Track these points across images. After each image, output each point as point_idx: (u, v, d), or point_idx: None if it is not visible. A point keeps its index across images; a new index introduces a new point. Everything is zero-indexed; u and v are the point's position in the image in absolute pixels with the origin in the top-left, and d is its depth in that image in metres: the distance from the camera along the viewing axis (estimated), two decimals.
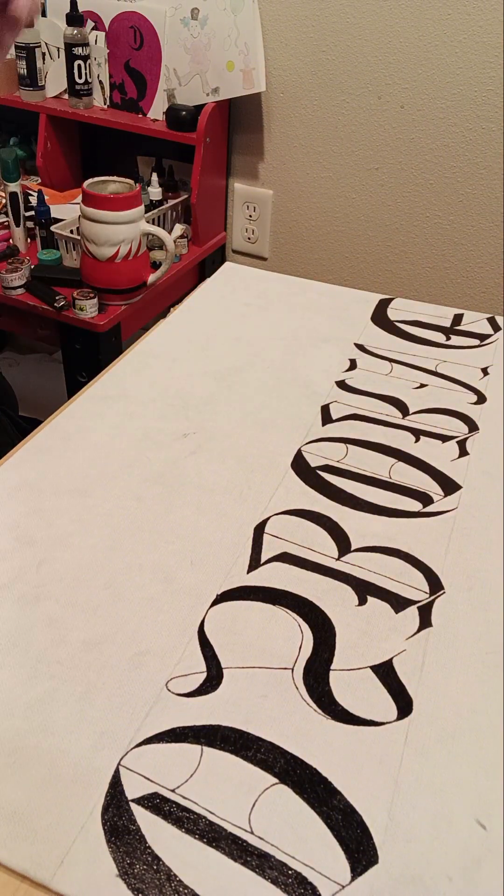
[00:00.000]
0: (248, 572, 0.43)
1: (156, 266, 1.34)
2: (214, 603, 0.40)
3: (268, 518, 0.47)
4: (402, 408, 0.59)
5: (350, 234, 1.53)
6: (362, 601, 0.41)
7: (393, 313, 0.74)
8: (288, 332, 0.69)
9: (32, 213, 1.36)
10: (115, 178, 1.17)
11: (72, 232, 1.32)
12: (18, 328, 1.37)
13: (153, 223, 1.37)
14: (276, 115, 1.47)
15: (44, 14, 1.48)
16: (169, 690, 0.36)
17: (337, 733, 0.34)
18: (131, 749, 0.33)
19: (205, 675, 0.36)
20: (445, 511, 0.48)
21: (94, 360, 1.22)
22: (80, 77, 1.45)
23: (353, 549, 0.45)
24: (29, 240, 1.39)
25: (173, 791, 0.32)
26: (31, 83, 1.49)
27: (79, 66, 1.43)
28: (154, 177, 1.44)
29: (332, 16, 1.32)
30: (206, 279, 0.78)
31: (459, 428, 0.57)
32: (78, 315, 1.20)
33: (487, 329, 0.72)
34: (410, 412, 0.58)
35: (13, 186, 1.27)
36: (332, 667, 0.37)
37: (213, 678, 0.36)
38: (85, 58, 1.43)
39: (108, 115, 1.48)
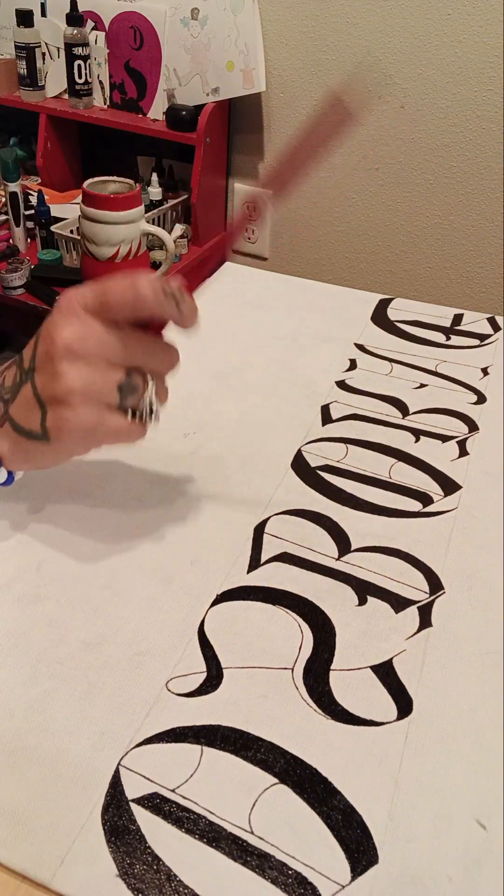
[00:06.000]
0: (248, 572, 0.43)
1: (156, 266, 1.34)
2: (214, 603, 0.40)
3: (268, 518, 0.47)
4: (402, 408, 0.59)
5: (350, 234, 1.53)
6: (362, 601, 0.41)
7: (393, 313, 0.74)
8: (288, 332, 0.69)
9: (32, 213, 1.36)
10: (115, 178, 1.17)
11: (72, 232, 1.32)
12: (18, 328, 1.37)
13: (153, 223, 1.37)
14: (276, 115, 1.47)
15: (44, 14, 1.48)
16: (169, 690, 0.36)
17: (337, 733, 0.34)
18: (131, 749, 0.33)
19: (205, 675, 0.36)
20: (445, 511, 0.48)
21: None
22: (80, 77, 1.45)
23: (353, 549, 0.45)
24: (29, 240, 1.39)
25: (173, 791, 0.32)
26: (31, 83, 1.49)
27: (79, 66, 1.44)
28: (154, 177, 1.44)
29: (332, 16, 1.32)
30: (206, 279, 0.78)
31: (459, 428, 0.57)
32: None
33: (487, 329, 0.72)
34: (410, 412, 0.58)
35: (13, 186, 1.27)
36: (332, 667, 0.37)
37: (213, 678, 0.36)
38: (85, 58, 1.43)
39: (108, 115, 1.48)
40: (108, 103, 1.52)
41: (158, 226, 1.42)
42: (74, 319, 0.36)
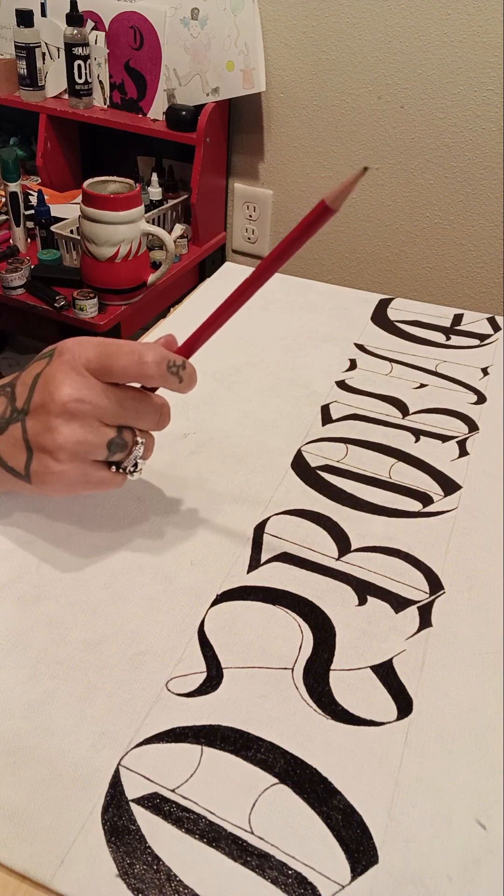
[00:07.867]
0: (248, 572, 0.43)
1: (156, 266, 1.34)
2: (214, 603, 0.40)
3: (268, 518, 0.47)
4: (402, 408, 0.59)
5: (350, 234, 1.53)
6: (362, 601, 0.41)
7: (393, 313, 0.74)
8: (288, 332, 0.69)
9: (32, 213, 1.36)
10: (115, 178, 1.17)
11: (72, 232, 1.32)
12: (18, 328, 1.37)
13: (153, 223, 1.37)
14: (276, 115, 1.47)
15: (44, 14, 1.48)
16: (169, 690, 0.36)
17: (337, 733, 0.34)
18: (131, 749, 0.33)
19: (205, 675, 0.37)
20: (445, 511, 0.48)
21: None
22: (80, 77, 1.45)
23: (353, 549, 0.45)
24: (29, 240, 1.39)
25: (173, 791, 0.32)
26: (31, 83, 1.49)
27: (79, 66, 1.44)
28: (154, 177, 1.44)
29: (332, 16, 1.32)
30: (206, 279, 0.78)
31: (459, 428, 0.57)
32: (78, 315, 1.20)
33: (487, 329, 0.72)
34: (410, 412, 0.58)
35: (13, 186, 1.27)
36: (332, 667, 0.37)
37: (213, 678, 0.36)
38: (85, 58, 1.43)
39: (108, 115, 1.48)
40: (108, 103, 1.52)
41: (158, 226, 1.42)
42: (75, 378, 0.37)
